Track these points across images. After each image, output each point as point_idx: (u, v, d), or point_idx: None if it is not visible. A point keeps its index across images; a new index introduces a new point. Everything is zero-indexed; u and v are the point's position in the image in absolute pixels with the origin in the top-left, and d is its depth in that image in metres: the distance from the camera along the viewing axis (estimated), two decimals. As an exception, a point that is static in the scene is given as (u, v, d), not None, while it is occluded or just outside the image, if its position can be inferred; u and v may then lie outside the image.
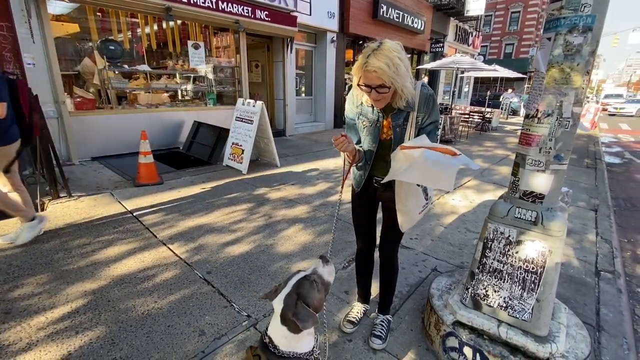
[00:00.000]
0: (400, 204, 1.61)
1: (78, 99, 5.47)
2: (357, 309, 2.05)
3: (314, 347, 1.15)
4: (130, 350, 1.76)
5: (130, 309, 2.07)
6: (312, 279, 1.11)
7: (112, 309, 2.07)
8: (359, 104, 1.62)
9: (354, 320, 1.99)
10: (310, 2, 8.42)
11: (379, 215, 1.87)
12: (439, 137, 8.28)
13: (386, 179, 1.43)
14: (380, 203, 1.83)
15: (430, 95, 1.52)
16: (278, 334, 1.08)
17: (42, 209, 3.43)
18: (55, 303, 2.09)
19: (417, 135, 1.56)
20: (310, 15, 8.53)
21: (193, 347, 1.80)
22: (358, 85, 1.44)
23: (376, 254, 1.97)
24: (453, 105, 11.36)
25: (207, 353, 1.77)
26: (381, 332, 1.89)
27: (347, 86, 10.56)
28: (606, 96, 28.54)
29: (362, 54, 1.38)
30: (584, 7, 1.30)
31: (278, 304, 1.08)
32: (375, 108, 1.56)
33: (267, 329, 1.13)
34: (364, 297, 2.10)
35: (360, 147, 1.69)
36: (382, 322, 1.94)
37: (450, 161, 1.31)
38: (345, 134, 1.47)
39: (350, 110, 1.68)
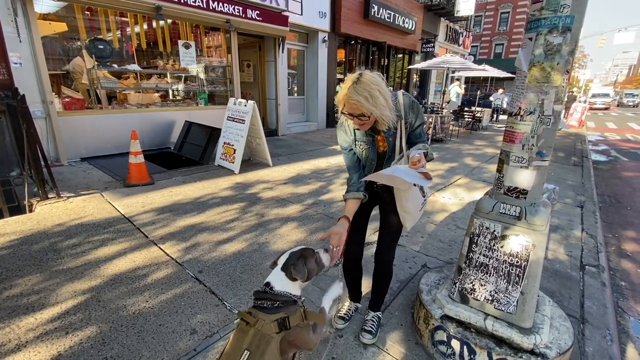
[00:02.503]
0: (401, 205, 1.70)
1: (66, 99, 5.40)
2: (348, 306, 2.09)
3: (301, 296, 1.36)
4: (121, 350, 1.76)
5: (121, 308, 2.07)
6: (315, 251, 1.41)
7: (102, 309, 2.06)
8: (351, 131, 1.70)
9: (344, 316, 2.02)
10: (301, 2, 8.43)
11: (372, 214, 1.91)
12: (429, 136, 8.40)
13: (366, 178, 1.58)
14: (378, 207, 1.89)
15: (412, 101, 1.63)
16: (276, 277, 1.31)
17: (31, 210, 3.39)
18: (45, 304, 2.07)
19: (407, 139, 1.67)
20: (302, 15, 8.54)
21: (185, 345, 1.81)
22: (342, 112, 1.55)
23: (368, 252, 2.01)
24: (444, 105, 11.48)
25: (198, 351, 1.78)
26: (372, 328, 1.92)
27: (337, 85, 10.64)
28: (593, 95, 29.10)
29: (344, 84, 1.47)
30: (563, 8, 1.35)
31: (284, 257, 1.35)
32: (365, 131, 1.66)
33: (266, 280, 1.33)
34: (355, 296, 2.13)
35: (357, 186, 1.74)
36: (373, 318, 1.98)
37: (410, 175, 1.46)
38: (331, 245, 1.57)
39: (344, 140, 1.76)
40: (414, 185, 1.65)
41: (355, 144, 1.72)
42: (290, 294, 1.29)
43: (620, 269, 3.21)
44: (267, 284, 1.29)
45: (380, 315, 2.03)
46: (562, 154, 7.71)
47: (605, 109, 27.78)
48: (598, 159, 8.46)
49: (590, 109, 23.21)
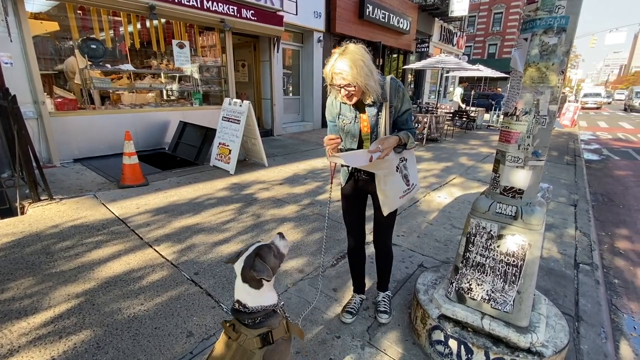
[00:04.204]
0: (379, 188, 1.76)
1: (58, 99, 5.33)
2: (354, 300, 2.12)
3: (278, 301, 1.28)
4: (116, 354, 1.74)
5: (115, 312, 2.04)
6: (270, 246, 1.28)
7: (97, 312, 2.03)
8: (337, 105, 1.78)
9: (352, 310, 2.05)
10: (296, 2, 8.42)
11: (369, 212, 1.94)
12: (424, 136, 8.44)
13: (330, 158, 1.65)
14: (369, 196, 1.93)
15: (399, 86, 1.69)
16: (242, 292, 1.21)
17: (22, 213, 3.34)
18: (38, 308, 2.04)
19: (393, 124, 1.74)
20: (297, 14, 8.53)
21: (181, 348, 1.79)
22: (330, 85, 1.62)
23: (369, 249, 2.05)
24: (439, 105, 11.54)
25: (195, 354, 1.76)
26: (385, 307, 2.03)
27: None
28: (585, 95, 29.43)
29: (331, 57, 1.56)
30: (558, 8, 1.36)
31: (239, 264, 1.22)
32: (351, 106, 1.72)
33: (234, 297, 1.24)
34: (360, 288, 2.16)
35: (343, 146, 1.85)
36: (384, 298, 2.09)
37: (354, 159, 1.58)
38: (335, 138, 1.65)
39: (330, 113, 1.84)
40: (403, 164, 1.73)
41: (338, 117, 1.79)
42: (266, 305, 1.22)
43: (613, 267, 3.25)
44: (240, 303, 1.21)
45: (390, 294, 2.13)
46: (555, 153, 7.79)
47: (597, 108, 28.13)
48: (590, 157, 8.56)
49: (582, 108, 23.46)
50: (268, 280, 1.20)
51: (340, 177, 1.98)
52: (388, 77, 1.68)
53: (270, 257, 1.24)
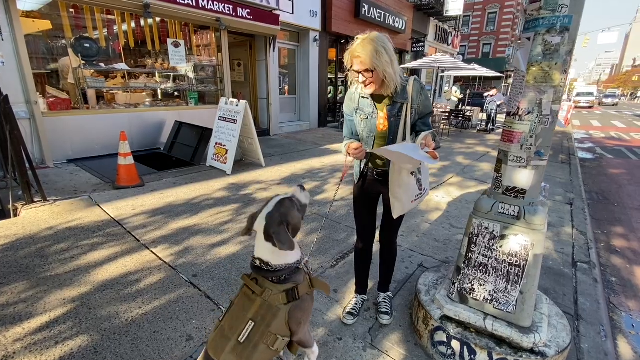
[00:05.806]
0: (392, 190, 1.74)
1: (51, 99, 5.24)
2: (355, 301, 2.11)
3: (301, 257, 1.24)
4: (114, 359, 1.70)
5: (113, 316, 2.01)
6: (292, 199, 1.20)
7: (93, 316, 1.99)
8: (356, 99, 1.76)
9: (352, 311, 2.03)
10: (292, 1, 8.37)
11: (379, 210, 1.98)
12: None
13: (373, 151, 1.67)
14: (381, 195, 1.93)
15: (422, 88, 1.68)
16: (265, 251, 1.14)
17: (16, 215, 3.27)
18: (33, 312, 2.00)
19: (414, 127, 1.72)
20: (293, 14, 8.48)
21: (180, 352, 1.76)
22: (349, 70, 1.61)
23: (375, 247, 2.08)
24: (435, 104, 11.58)
25: (195, 358, 1.73)
26: (387, 308, 2.03)
27: (333, 87, 10.74)
28: (578, 94, 29.74)
29: (353, 42, 1.57)
30: (561, 7, 1.35)
31: (261, 221, 1.15)
32: (370, 101, 1.70)
33: (254, 254, 1.18)
34: (362, 288, 2.15)
35: (355, 140, 1.84)
36: (385, 299, 2.09)
37: (416, 152, 1.49)
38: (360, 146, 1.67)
39: (348, 106, 1.83)
40: (417, 168, 1.70)
41: (356, 113, 1.78)
42: (290, 263, 1.16)
43: (610, 265, 3.27)
44: (261, 261, 1.15)
45: (391, 295, 2.13)
46: (550, 151, 7.84)
47: (590, 107, 28.45)
48: (584, 156, 8.64)
49: (575, 107, 23.71)
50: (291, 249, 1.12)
51: (353, 173, 1.98)
52: (411, 78, 1.66)
53: (293, 212, 1.17)
